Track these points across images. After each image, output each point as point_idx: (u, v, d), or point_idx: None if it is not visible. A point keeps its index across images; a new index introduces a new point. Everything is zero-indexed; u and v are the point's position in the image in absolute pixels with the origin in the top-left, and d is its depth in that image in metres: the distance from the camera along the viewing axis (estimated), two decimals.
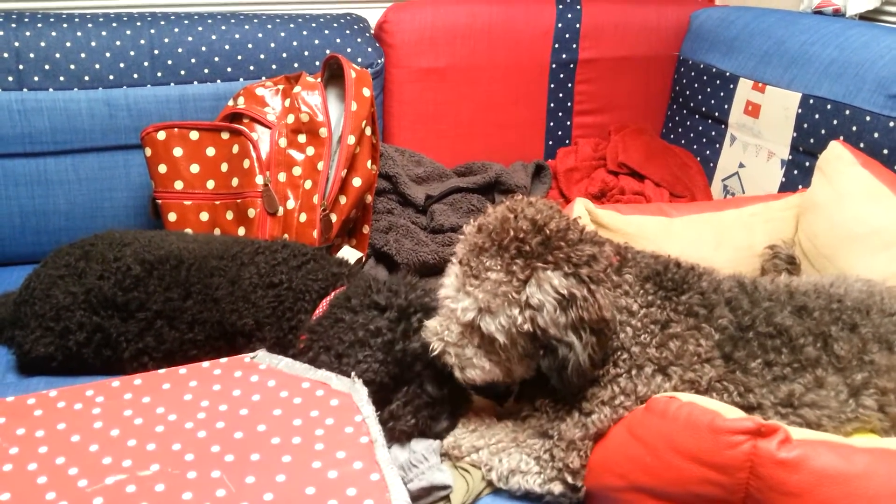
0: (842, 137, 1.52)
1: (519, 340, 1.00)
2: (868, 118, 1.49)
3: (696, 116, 2.04)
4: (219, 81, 1.76)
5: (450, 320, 1.03)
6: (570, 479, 1.02)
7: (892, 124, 1.45)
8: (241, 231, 1.55)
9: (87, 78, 1.68)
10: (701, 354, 1.01)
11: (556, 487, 1.03)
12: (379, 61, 1.90)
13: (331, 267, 1.29)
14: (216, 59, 1.75)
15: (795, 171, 1.69)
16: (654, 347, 1.01)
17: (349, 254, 1.61)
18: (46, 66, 1.65)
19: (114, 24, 1.72)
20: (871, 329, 1.04)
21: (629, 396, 1.01)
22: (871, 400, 1.01)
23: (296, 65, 1.80)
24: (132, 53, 1.70)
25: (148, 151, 1.57)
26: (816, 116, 1.62)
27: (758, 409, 0.99)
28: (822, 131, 1.59)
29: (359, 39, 1.87)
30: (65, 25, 1.68)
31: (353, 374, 1.03)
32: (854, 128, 1.52)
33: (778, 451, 0.85)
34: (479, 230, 1.02)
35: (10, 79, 1.63)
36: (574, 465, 1.02)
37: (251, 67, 1.78)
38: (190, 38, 1.74)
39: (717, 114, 1.94)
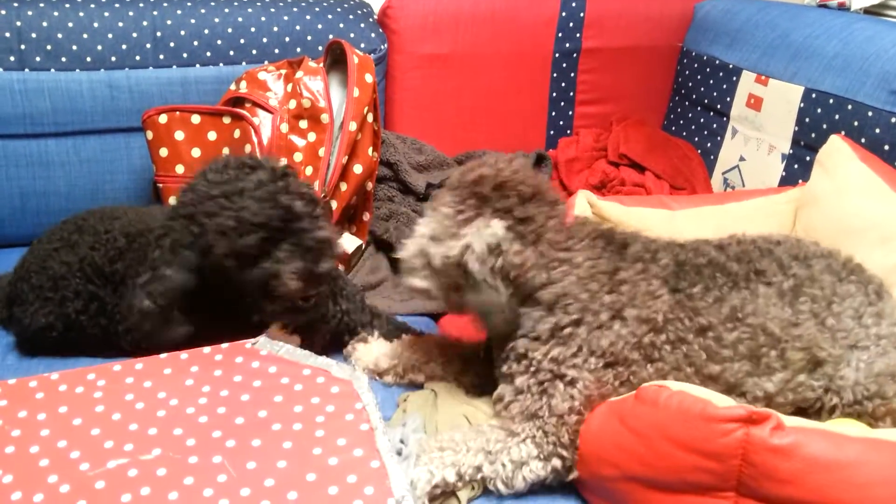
0: (843, 132, 1.52)
1: (452, 271, 1.08)
2: (870, 113, 1.49)
3: (698, 108, 2.03)
4: (221, 65, 1.75)
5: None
6: (563, 453, 1.04)
7: (893, 120, 1.45)
8: None
9: (88, 59, 1.67)
10: (652, 293, 1.06)
11: (556, 462, 1.05)
12: (382, 47, 1.89)
13: None
14: (219, 42, 1.74)
15: (796, 166, 1.69)
16: (605, 294, 1.06)
17: (349, 241, 1.61)
18: (48, 47, 1.64)
19: (116, 6, 1.71)
20: (784, 251, 1.13)
21: (596, 354, 1.04)
22: (805, 307, 1.06)
23: (298, 49, 1.79)
24: (134, 35, 1.70)
25: (149, 134, 1.57)
26: (819, 111, 1.62)
27: (709, 328, 1.04)
28: (824, 126, 1.60)
29: (362, 25, 1.87)
30: (67, 6, 1.67)
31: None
32: (856, 123, 1.52)
33: (771, 438, 0.86)
34: (462, 173, 1.14)
35: (12, 59, 1.63)
36: (564, 440, 1.03)
37: (254, 51, 1.77)
38: (193, 21, 1.73)
39: (719, 106, 1.94)
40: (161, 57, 1.71)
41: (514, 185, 1.10)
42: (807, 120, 1.65)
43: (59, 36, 1.65)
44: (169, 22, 1.72)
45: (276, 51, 1.78)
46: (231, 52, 1.76)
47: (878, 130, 1.47)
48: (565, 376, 1.04)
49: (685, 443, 0.91)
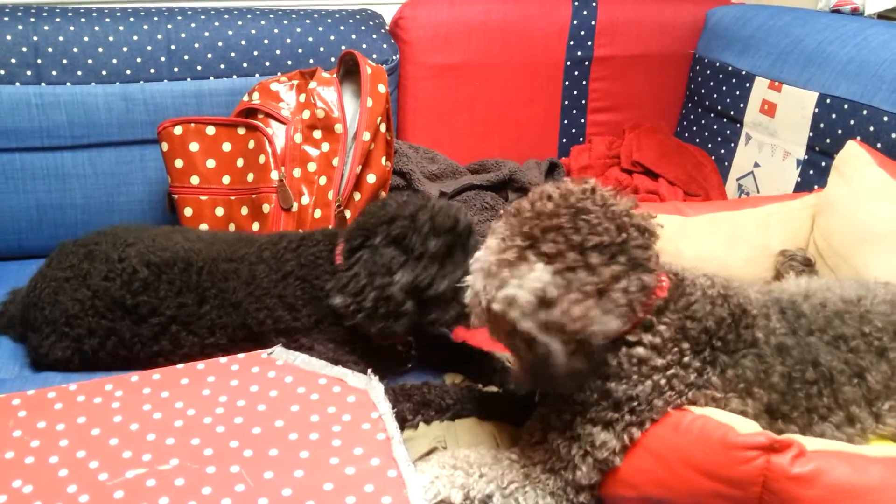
0: (858, 138, 1.51)
1: (499, 318, 0.91)
2: (885, 118, 1.48)
3: (711, 115, 2.03)
4: (235, 77, 1.76)
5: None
6: None
7: None
8: (256, 226, 1.55)
9: (104, 72, 1.69)
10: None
11: None
12: (394, 58, 1.90)
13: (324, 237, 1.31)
14: (232, 54, 1.76)
15: (811, 171, 1.68)
16: (686, 403, 0.97)
17: None
18: (64, 61, 1.66)
19: (131, 19, 1.72)
20: None
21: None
22: (892, 419, 1.00)
23: (311, 60, 1.80)
24: (149, 48, 1.71)
25: (164, 146, 1.58)
26: (833, 116, 1.61)
27: None
28: (839, 131, 1.59)
29: (374, 35, 1.87)
30: (83, 20, 1.69)
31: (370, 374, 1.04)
32: (871, 128, 1.51)
33: (791, 467, 0.85)
34: (528, 199, 0.96)
35: (29, 73, 1.65)
36: (586, 502, 1.00)
37: (267, 63, 1.78)
38: (206, 34, 1.75)
39: (732, 112, 1.93)
40: (175, 70, 1.73)
41: (581, 229, 0.90)
42: (821, 125, 1.64)
43: (75, 50, 1.67)
44: (183, 35, 1.73)
45: (290, 62, 1.79)
46: (245, 65, 1.77)
47: (894, 135, 1.46)
48: (597, 456, 0.98)
49: (705, 468, 0.90)
